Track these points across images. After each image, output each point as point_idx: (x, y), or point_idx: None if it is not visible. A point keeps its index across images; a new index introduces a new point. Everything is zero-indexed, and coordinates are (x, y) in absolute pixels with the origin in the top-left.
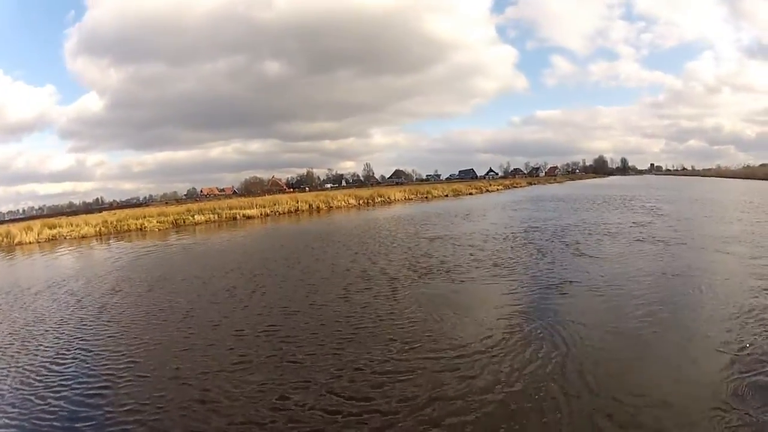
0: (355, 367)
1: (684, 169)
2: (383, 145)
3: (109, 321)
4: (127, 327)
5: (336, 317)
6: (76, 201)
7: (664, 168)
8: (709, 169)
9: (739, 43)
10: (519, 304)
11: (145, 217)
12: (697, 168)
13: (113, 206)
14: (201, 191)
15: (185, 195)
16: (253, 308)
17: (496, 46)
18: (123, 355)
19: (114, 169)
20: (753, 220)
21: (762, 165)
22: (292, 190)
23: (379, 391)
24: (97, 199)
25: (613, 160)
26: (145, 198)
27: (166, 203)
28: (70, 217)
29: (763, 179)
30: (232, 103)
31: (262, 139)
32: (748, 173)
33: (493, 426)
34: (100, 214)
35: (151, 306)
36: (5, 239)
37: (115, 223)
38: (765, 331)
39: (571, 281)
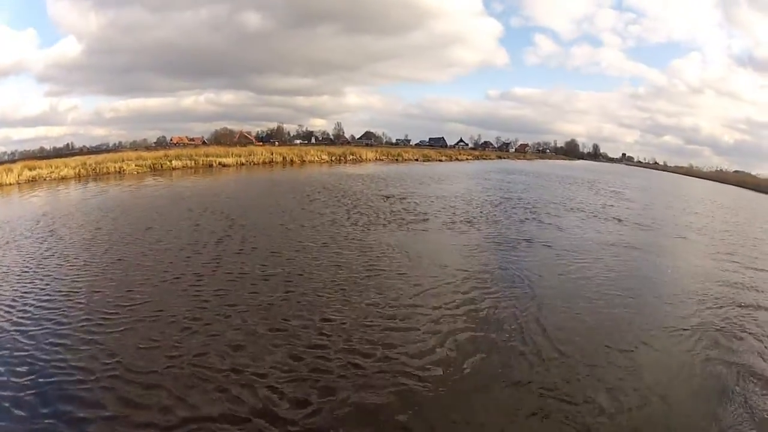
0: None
1: (656, 163)
2: (357, 105)
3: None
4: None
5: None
6: (47, 146)
7: (635, 159)
8: (681, 167)
9: (729, 50)
10: (487, 253)
11: (123, 160)
12: (669, 164)
13: (83, 152)
14: (171, 140)
15: (155, 143)
16: (233, 248)
17: (481, 18)
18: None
19: (86, 115)
20: (711, 214)
21: (736, 171)
22: (261, 143)
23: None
24: (68, 144)
25: (585, 144)
26: (114, 144)
27: (136, 150)
28: (50, 160)
29: (733, 184)
30: (209, 53)
31: (235, 91)
32: (719, 176)
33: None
34: (79, 157)
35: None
36: None
37: (94, 165)
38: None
39: (530, 240)
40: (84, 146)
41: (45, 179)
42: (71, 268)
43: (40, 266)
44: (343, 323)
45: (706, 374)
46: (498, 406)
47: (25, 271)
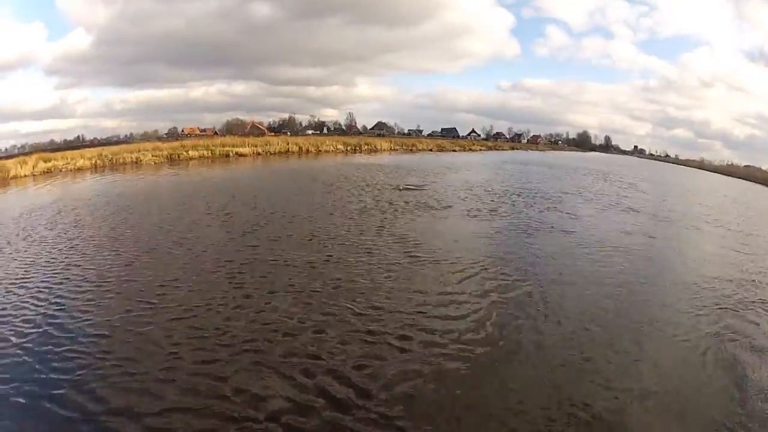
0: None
1: (667, 156)
2: (368, 95)
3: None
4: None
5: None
6: (58, 138)
7: (647, 152)
8: (693, 160)
9: (740, 45)
10: (512, 240)
11: (139, 151)
12: (680, 157)
13: (94, 144)
14: (182, 131)
15: (166, 134)
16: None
17: (492, 8)
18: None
19: (96, 107)
20: (723, 206)
21: (746, 166)
22: (273, 134)
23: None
24: (78, 136)
25: (597, 136)
26: (125, 136)
27: (148, 141)
28: (64, 152)
29: (743, 178)
30: (218, 43)
31: (245, 81)
32: (730, 170)
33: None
34: (94, 148)
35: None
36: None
37: (110, 156)
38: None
39: (552, 227)
40: (95, 138)
41: (60, 170)
42: (109, 257)
43: (82, 256)
44: (390, 310)
45: (722, 350)
46: (527, 379)
47: (67, 260)
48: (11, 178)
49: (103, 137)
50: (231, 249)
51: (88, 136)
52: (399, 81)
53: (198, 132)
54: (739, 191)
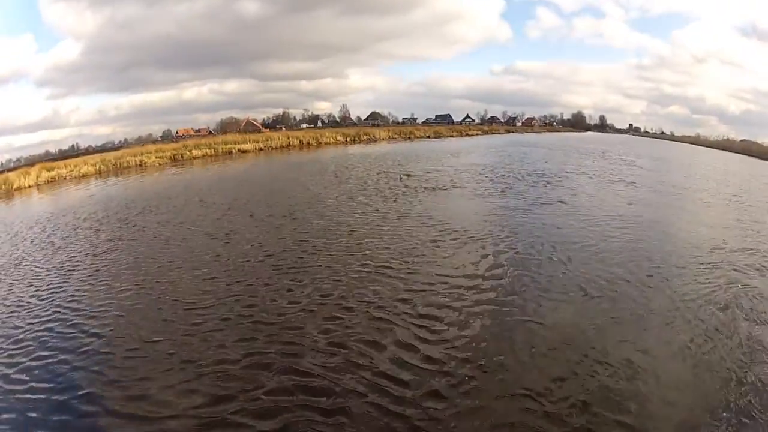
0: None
1: (663, 133)
2: (360, 86)
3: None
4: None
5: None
6: (52, 149)
7: (642, 129)
8: (689, 136)
9: (733, 21)
10: (521, 213)
11: (142, 154)
12: (676, 134)
13: (89, 151)
14: (177, 132)
15: (160, 137)
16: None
17: None
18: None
19: (89, 115)
20: (718, 178)
21: (743, 140)
22: (267, 130)
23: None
24: (73, 145)
25: (591, 116)
26: (120, 141)
27: (143, 145)
28: (66, 160)
29: (739, 152)
30: (208, 43)
31: (238, 79)
32: (725, 145)
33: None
34: (97, 155)
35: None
36: (3, 186)
37: (113, 161)
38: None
39: (561, 201)
40: (89, 146)
41: (65, 178)
42: (141, 255)
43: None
44: (424, 290)
45: (728, 300)
46: (535, 336)
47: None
48: (15, 190)
49: (98, 144)
50: (262, 239)
51: (83, 144)
52: (392, 70)
53: (192, 133)
54: (735, 164)
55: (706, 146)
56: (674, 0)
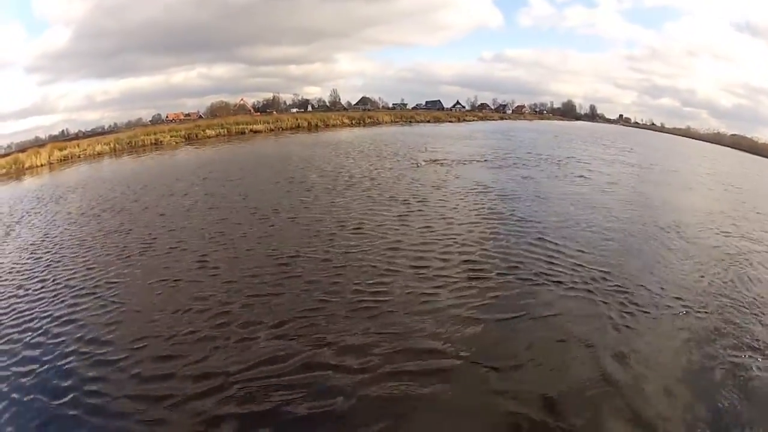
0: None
1: (653, 124)
2: (349, 71)
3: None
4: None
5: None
6: (42, 135)
7: (633, 120)
8: (679, 129)
9: (726, 15)
10: (539, 185)
11: (156, 133)
12: (666, 126)
13: (78, 137)
14: (166, 117)
15: (150, 121)
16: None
17: None
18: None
19: (78, 100)
20: (705, 166)
21: (733, 135)
22: (258, 114)
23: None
24: (63, 131)
25: (581, 105)
26: (110, 126)
27: (132, 130)
28: (78, 140)
29: (729, 146)
30: (195, 27)
31: (226, 64)
32: (715, 138)
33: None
34: (112, 135)
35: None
36: (14, 165)
37: (127, 140)
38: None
39: (576, 175)
40: (79, 131)
41: (79, 156)
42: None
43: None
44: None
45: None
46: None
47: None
48: (27, 168)
49: (88, 129)
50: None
51: (72, 130)
52: (381, 55)
53: (182, 117)
54: (720, 156)
55: (696, 139)
56: None
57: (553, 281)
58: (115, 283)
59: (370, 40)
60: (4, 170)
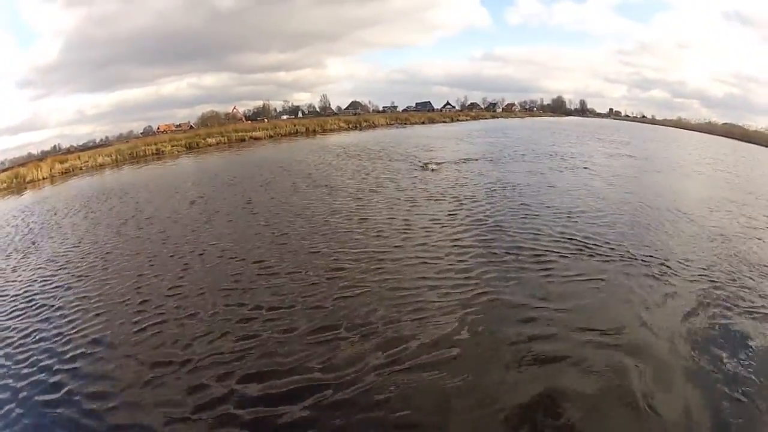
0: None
1: (644, 116)
2: (339, 75)
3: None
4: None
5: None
6: (34, 151)
7: (623, 113)
8: (670, 120)
9: (715, 5)
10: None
11: (156, 143)
12: (657, 117)
13: (71, 151)
14: (158, 128)
15: (141, 133)
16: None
17: None
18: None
19: (69, 114)
20: (699, 155)
21: (725, 123)
22: (249, 122)
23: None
24: (55, 146)
25: (571, 101)
26: (101, 140)
27: (127, 142)
28: (78, 153)
29: (721, 135)
30: (185, 37)
31: (216, 73)
32: (707, 128)
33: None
34: (113, 146)
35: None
36: (15, 179)
37: (128, 150)
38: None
39: (578, 167)
40: (71, 146)
41: (81, 168)
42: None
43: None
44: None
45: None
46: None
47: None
48: (28, 182)
49: (80, 144)
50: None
51: (64, 145)
52: (371, 58)
53: (173, 128)
54: (713, 144)
55: (688, 129)
56: None
57: (588, 254)
58: (170, 296)
59: (362, 42)
60: (5, 184)
